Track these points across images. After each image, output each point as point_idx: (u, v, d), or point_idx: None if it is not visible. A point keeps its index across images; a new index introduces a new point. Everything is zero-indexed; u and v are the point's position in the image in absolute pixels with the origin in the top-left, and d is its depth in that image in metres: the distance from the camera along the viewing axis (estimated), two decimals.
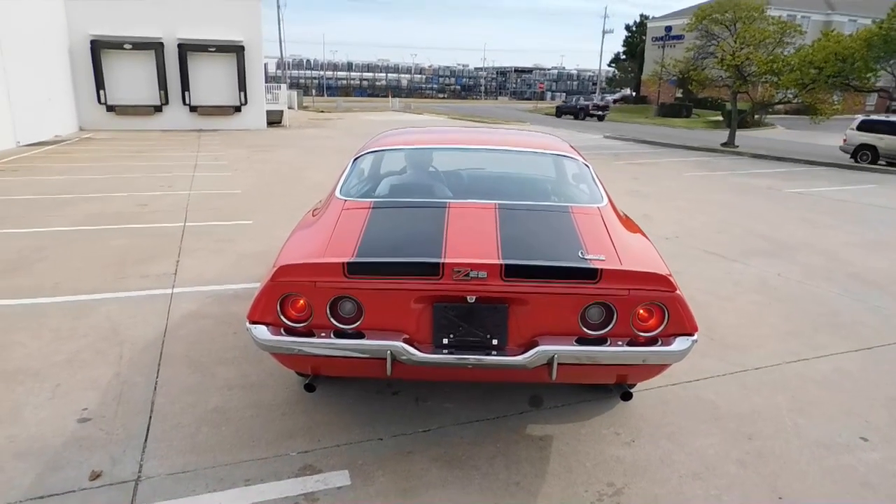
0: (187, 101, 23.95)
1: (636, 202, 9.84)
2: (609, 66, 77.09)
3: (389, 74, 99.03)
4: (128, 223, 7.58)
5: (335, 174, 4.13)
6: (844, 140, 17.94)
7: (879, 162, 16.97)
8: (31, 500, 2.55)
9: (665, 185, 12.41)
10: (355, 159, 4.01)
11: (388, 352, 2.60)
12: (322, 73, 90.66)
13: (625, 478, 2.81)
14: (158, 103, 23.53)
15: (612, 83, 78.45)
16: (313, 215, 3.60)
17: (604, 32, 62.35)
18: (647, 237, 3.43)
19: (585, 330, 2.71)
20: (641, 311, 2.70)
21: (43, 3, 19.54)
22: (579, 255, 2.77)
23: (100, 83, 22.54)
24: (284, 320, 2.73)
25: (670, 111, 41.80)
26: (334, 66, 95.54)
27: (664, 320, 2.70)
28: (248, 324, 2.74)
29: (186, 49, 23.28)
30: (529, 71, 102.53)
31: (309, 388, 3.01)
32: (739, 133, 22.73)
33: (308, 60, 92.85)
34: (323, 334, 2.70)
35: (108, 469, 2.76)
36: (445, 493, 2.67)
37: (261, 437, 3.04)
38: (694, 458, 2.97)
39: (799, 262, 6.58)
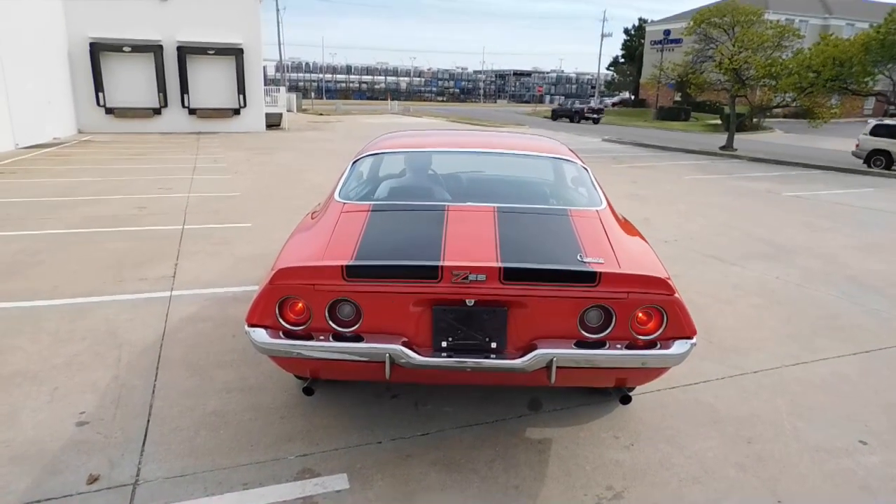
0: (186, 104, 23.97)
1: (635, 205, 9.86)
2: (608, 69, 77.48)
3: (388, 77, 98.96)
4: (126, 226, 7.57)
5: (334, 176, 4.13)
6: (857, 145, 17.44)
7: (894, 168, 16.44)
8: None
9: (664, 188, 12.43)
10: (354, 162, 4.01)
11: (387, 355, 2.60)
12: (321, 75, 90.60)
13: (624, 481, 2.80)
14: (157, 106, 23.54)
15: (611, 86, 78.60)
16: (312, 218, 3.59)
17: (602, 36, 62.81)
18: (645, 240, 3.43)
19: (584, 333, 2.70)
20: (640, 315, 2.70)
21: (42, 6, 19.54)
22: (578, 258, 2.77)
23: (99, 86, 22.55)
24: (283, 323, 2.72)
25: (669, 115, 41.93)
26: (333, 69, 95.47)
27: (663, 324, 2.70)
28: (246, 327, 2.73)
29: (185, 52, 23.31)
30: (528, 74, 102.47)
31: (307, 391, 3.00)
32: (738, 136, 22.78)
33: (307, 63, 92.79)
34: (322, 337, 2.69)
35: (106, 473, 2.75)
36: (444, 497, 2.67)
37: (259, 440, 3.03)
38: (693, 462, 2.97)
39: (797, 266, 6.59)
